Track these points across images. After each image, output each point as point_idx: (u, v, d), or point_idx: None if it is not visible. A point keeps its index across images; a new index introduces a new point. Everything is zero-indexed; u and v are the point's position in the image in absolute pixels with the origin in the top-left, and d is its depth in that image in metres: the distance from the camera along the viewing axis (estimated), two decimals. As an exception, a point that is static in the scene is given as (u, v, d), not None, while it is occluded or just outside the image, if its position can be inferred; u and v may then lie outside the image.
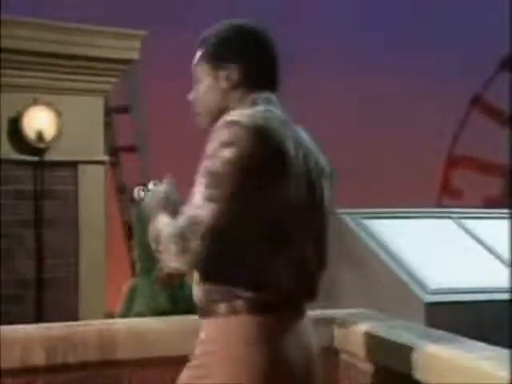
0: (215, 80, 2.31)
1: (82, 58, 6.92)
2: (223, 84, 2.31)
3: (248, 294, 2.12)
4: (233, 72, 2.29)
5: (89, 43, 6.94)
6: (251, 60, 2.32)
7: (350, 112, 17.16)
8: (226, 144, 2.09)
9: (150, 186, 5.57)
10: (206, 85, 2.33)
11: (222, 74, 2.30)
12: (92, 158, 7.12)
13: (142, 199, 5.53)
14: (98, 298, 6.96)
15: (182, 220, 2.11)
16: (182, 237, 2.08)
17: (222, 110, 2.27)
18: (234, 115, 2.17)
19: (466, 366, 2.12)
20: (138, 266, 5.47)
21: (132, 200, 5.63)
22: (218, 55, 2.32)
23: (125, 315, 4.73)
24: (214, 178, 2.08)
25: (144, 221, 5.48)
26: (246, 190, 2.08)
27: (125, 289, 5.58)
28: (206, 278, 2.19)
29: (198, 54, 2.37)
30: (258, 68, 2.32)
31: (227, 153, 2.08)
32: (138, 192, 5.57)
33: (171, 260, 2.13)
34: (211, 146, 2.11)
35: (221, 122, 2.15)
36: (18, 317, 6.23)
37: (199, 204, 2.08)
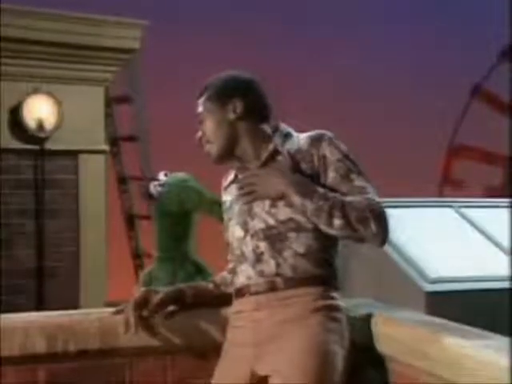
0: (222, 114, 2.60)
1: (82, 47, 6.92)
2: (230, 115, 2.59)
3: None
4: (237, 105, 2.58)
5: (90, 32, 6.94)
6: (251, 96, 2.62)
7: (350, 106, 17.15)
8: (347, 151, 2.55)
9: (162, 177, 5.59)
10: (213, 120, 2.60)
11: (228, 107, 2.59)
12: (92, 148, 7.12)
13: (160, 193, 5.57)
14: (99, 287, 6.97)
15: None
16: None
17: (232, 141, 2.59)
18: (320, 133, 2.58)
19: (466, 354, 2.12)
20: (157, 255, 5.50)
21: (148, 195, 5.66)
22: (223, 93, 2.61)
23: None
24: (366, 176, 2.54)
25: (167, 211, 5.54)
26: None
27: (141, 277, 5.62)
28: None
29: (203, 98, 2.65)
30: (257, 103, 2.63)
31: (352, 155, 2.56)
32: (154, 187, 5.61)
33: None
34: (338, 151, 2.53)
35: (322, 134, 2.57)
36: (19, 306, 6.25)
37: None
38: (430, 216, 6.00)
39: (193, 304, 2.69)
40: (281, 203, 2.48)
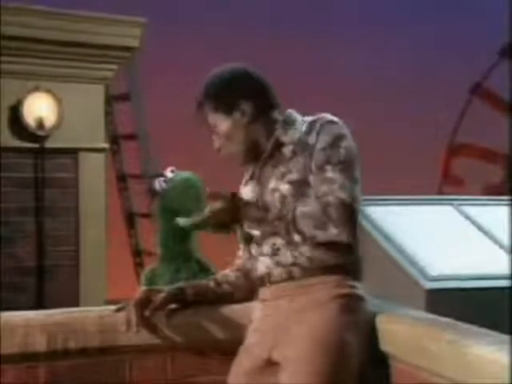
0: (233, 121, 2.56)
1: (82, 45, 6.92)
2: (243, 120, 2.56)
3: None
4: (245, 108, 2.56)
5: (90, 30, 6.94)
6: (253, 92, 2.59)
7: (350, 101, 17.14)
8: (340, 136, 2.49)
9: (168, 174, 5.59)
10: (227, 128, 2.56)
11: (236, 113, 2.55)
12: (92, 146, 7.12)
13: (164, 189, 5.57)
14: (99, 285, 6.97)
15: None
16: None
17: (253, 142, 2.57)
18: (317, 118, 2.55)
19: (467, 351, 2.12)
20: (161, 252, 5.49)
21: (152, 191, 5.66)
22: (226, 100, 2.57)
23: None
24: (345, 165, 2.45)
25: (169, 209, 5.53)
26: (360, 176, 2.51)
27: (144, 275, 5.62)
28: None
29: (207, 107, 2.59)
30: (261, 96, 2.60)
31: (345, 143, 2.49)
32: (159, 183, 5.61)
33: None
34: (324, 139, 2.48)
35: (318, 120, 2.53)
36: (19, 304, 6.25)
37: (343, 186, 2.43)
38: (429, 214, 6.01)
39: (194, 302, 2.69)
40: (290, 199, 2.48)
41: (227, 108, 2.56)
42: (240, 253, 2.75)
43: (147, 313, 2.58)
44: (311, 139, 2.51)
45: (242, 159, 2.61)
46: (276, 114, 2.61)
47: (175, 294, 2.65)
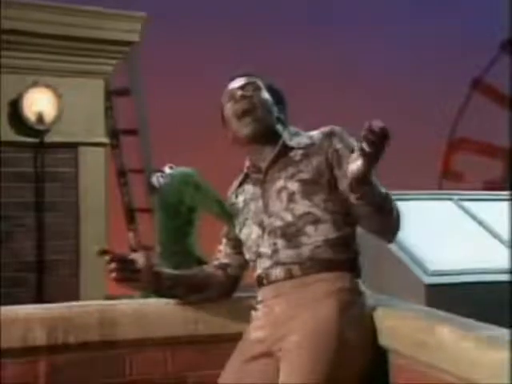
0: (272, 103, 2.72)
1: (82, 39, 6.91)
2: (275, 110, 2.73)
3: None
4: (281, 110, 2.76)
5: (90, 25, 6.93)
6: (283, 103, 2.79)
7: (350, 98, 17.15)
8: (350, 142, 2.59)
9: (167, 170, 5.58)
10: (268, 101, 2.72)
11: (275, 107, 2.73)
12: (92, 140, 7.11)
13: (162, 185, 5.55)
14: (99, 280, 6.97)
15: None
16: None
17: (271, 128, 2.68)
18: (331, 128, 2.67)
19: (468, 346, 2.12)
20: (160, 249, 5.48)
21: (151, 186, 5.66)
22: (277, 95, 2.76)
23: (146, 296, 4.79)
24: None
25: (167, 205, 5.52)
26: None
27: None
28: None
29: (260, 83, 2.74)
30: (284, 109, 2.79)
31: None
32: (157, 178, 5.59)
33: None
34: (347, 144, 2.58)
35: (333, 129, 2.65)
36: (19, 299, 6.25)
37: None
38: (429, 209, 6.01)
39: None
40: (298, 196, 2.53)
41: (273, 94, 2.73)
42: (221, 247, 2.79)
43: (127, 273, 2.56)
44: (334, 145, 2.60)
45: (258, 130, 2.64)
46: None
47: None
